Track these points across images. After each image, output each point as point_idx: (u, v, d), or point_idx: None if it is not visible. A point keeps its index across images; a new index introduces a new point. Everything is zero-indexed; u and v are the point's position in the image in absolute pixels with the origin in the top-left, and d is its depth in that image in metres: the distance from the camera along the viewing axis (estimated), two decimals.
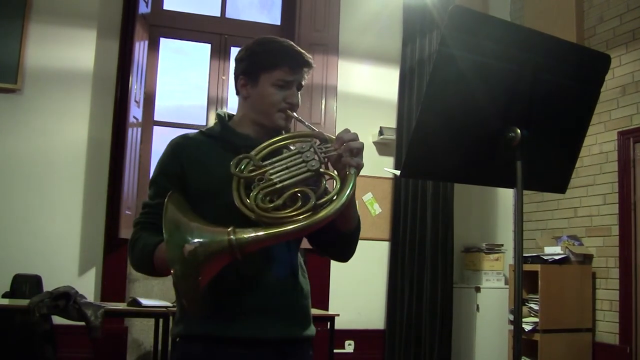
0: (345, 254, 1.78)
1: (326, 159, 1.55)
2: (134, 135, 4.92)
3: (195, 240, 1.41)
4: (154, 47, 5.36)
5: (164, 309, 3.78)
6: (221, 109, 4.64)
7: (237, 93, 1.76)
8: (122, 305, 4.05)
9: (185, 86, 5.82)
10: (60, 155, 4.69)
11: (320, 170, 1.53)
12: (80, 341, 4.32)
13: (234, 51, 5.37)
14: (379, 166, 5.49)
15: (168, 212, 1.44)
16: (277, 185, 1.49)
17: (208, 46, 5.52)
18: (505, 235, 5.78)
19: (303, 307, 1.72)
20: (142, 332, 4.84)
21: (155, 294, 4.84)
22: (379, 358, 5.40)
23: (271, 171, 1.52)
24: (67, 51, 4.82)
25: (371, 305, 5.44)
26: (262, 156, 1.58)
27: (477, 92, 1.55)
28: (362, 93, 5.63)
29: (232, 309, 1.60)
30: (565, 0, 5.22)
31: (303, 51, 1.71)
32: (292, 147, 1.65)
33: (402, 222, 5.46)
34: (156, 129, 5.31)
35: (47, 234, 4.60)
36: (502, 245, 5.57)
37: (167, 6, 5.48)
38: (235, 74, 1.76)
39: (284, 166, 1.53)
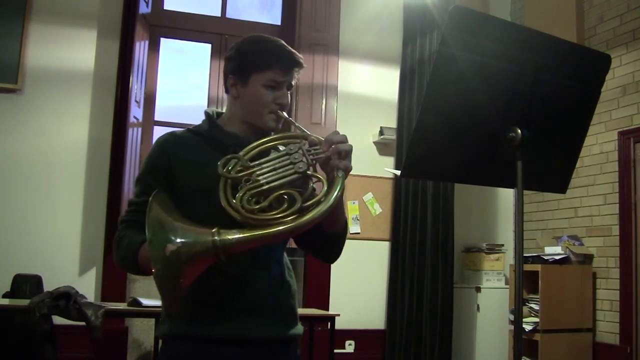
0: (331, 256, 1.78)
1: (314, 161, 1.55)
2: (134, 135, 4.92)
3: (179, 240, 1.40)
4: (154, 47, 5.36)
5: None
6: (222, 109, 4.64)
7: (227, 92, 1.75)
8: (122, 305, 4.05)
9: (185, 86, 5.82)
10: (60, 155, 4.69)
11: (308, 172, 1.52)
12: (80, 341, 4.32)
13: None
14: (379, 166, 5.50)
15: (152, 211, 1.43)
16: (264, 187, 1.49)
17: (208, 46, 5.53)
18: (506, 235, 5.78)
19: (289, 306, 1.71)
20: (142, 332, 4.84)
21: (155, 294, 4.81)
22: (379, 358, 5.40)
23: (258, 172, 1.51)
24: (67, 51, 4.82)
25: (371, 305, 5.44)
26: (251, 157, 1.57)
27: (477, 92, 1.55)
28: (363, 93, 5.63)
29: (220, 309, 1.59)
30: (565, 0, 5.22)
31: (294, 51, 1.71)
32: (281, 148, 1.64)
33: (403, 222, 5.46)
34: (156, 129, 5.31)
35: (47, 234, 4.60)
36: (503, 245, 5.57)
37: (167, 6, 5.48)
38: (224, 72, 1.74)
39: (272, 167, 1.52)
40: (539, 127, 1.63)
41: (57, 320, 3.87)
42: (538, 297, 4.64)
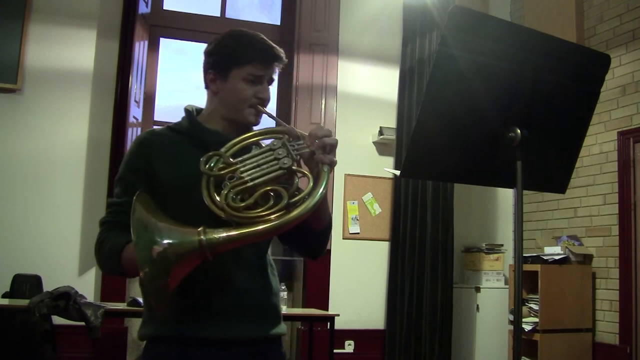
0: (316, 252, 1.76)
1: (298, 156, 1.51)
2: (134, 135, 4.92)
3: (165, 241, 1.37)
4: (154, 47, 5.36)
5: None
6: None
7: (206, 87, 1.72)
8: (122, 305, 4.05)
9: (185, 86, 5.82)
10: (60, 155, 4.69)
11: (293, 167, 1.49)
12: (80, 341, 4.32)
13: None
14: (378, 166, 5.50)
15: (136, 212, 1.40)
16: (249, 184, 1.45)
17: None
18: (505, 235, 5.78)
19: (273, 305, 1.70)
20: None
21: None
22: (379, 358, 5.40)
23: (242, 169, 1.48)
24: (67, 51, 4.82)
25: (371, 305, 5.44)
26: (232, 153, 1.53)
27: (477, 92, 1.55)
28: (362, 93, 5.63)
29: (204, 310, 1.57)
30: (565, 0, 5.22)
31: (275, 45, 1.67)
32: (263, 144, 1.60)
33: (402, 222, 5.46)
34: (154, 127, 5.30)
35: (47, 234, 4.60)
36: (502, 245, 5.57)
37: (167, 6, 5.48)
38: (204, 68, 1.71)
39: (255, 164, 1.49)
40: (539, 127, 1.63)
41: (57, 320, 3.87)
42: (537, 297, 4.64)
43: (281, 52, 1.68)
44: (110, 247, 1.55)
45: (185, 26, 5.46)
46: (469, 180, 1.88)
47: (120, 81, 4.88)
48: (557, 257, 4.74)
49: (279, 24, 5.73)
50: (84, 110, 4.82)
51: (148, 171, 1.61)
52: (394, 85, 5.65)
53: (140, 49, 5.01)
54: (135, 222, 1.38)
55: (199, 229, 1.40)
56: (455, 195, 5.50)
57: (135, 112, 4.96)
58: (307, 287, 5.30)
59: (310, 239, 1.69)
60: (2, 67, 4.59)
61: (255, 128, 1.67)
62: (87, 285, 4.59)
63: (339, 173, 5.43)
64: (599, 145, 4.87)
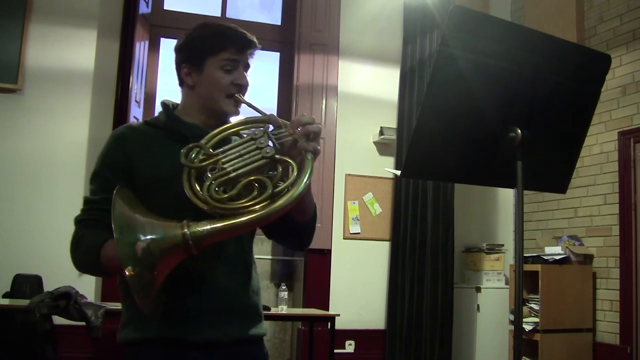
0: (302, 244, 1.72)
1: (281, 145, 1.47)
2: None
3: (148, 236, 1.33)
4: (154, 47, 5.36)
5: None
6: None
7: (181, 84, 1.67)
8: None
9: None
10: (60, 155, 4.69)
11: (276, 156, 1.45)
12: (80, 341, 4.32)
13: None
14: (379, 166, 5.50)
15: (116, 208, 1.35)
16: (231, 175, 1.41)
17: None
18: (506, 235, 5.78)
19: (255, 305, 1.66)
20: None
21: None
22: (379, 358, 5.40)
23: (224, 160, 1.44)
24: (67, 51, 4.82)
25: (372, 305, 5.44)
26: (213, 144, 1.49)
27: (477, 92, 1.55)
28: (363, 93, 5.63)
29: (186, 311, 1.53)
30: (565, 0, 5.22)
31: (247, 32, 1.65)
32: (244, 134, 1.55)
33: (403, 222, 5.46)
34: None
35: (47, 234, 4.60)
36: (503, 245, 5.57)
37: (167, 6, 5.48)
38: (176, 63, 1.67)
39: (237, 154, 1.45)
40: (539, 127, 1.63)
41: (57, 320, 3.87)
42: (538, 297, 4.64)
43: (253, 37, 1.65)
44: (88, 246, 1.50)
45: (186, 26, 5.35)
46: (469, 180, 1.87)
47: (121, 81, 4.88)
48: (557, 257, 4.74)
49: (279, 24, 5.73)
50: (85, 110, 4.82)
51: (125, 166, 1.56)
52: (395, 85, 5.65)
53: (140, 49, 5.01)
54: (117, 219, 1.33)
55: (182, 223, 1.36)
56: (455, 195, 5.50)
57: (136, 112, 4.96)
58: (307, 287, 5.30)
59: (296, 231, 1.65)
60: (2, 67, 4.59)
61: (233, 119, 1.63)
62: (88, 285, 4.58)
63: (339, 173, 5.43)
64: (599, 145, 4.87)
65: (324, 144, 5.29)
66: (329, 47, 5.46)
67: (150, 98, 5.28)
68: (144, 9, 5.06)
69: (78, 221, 1.58)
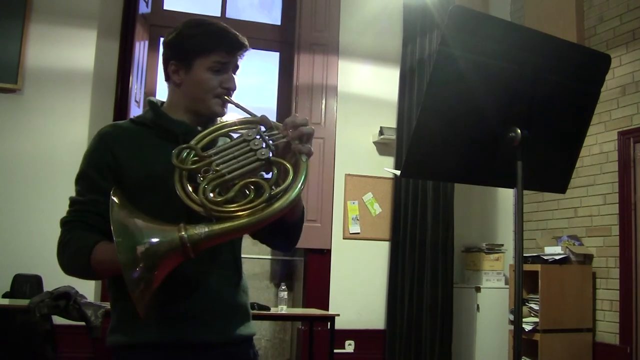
0: (289, 244, 1.71)
1: (274, 147, 1.45)
2: None
3: (147, 240, 1.32)
4: (154, 47, 5.36)
5: None
6: None
7: (167, 80, 1.64)
8: None
9: None
10: (60, 155, 4.69)
11: (271, 158, 1.43)
12: (80, 341, 4.32)
13: None
14: (379, 166, 5.50)
15: (114, 212, 1.34)
16: (226, 177, 1.39)
17: None
18: (506, 235, 5.78)
19: (245, 305, 1.65)
20: None
21: None
22: (379, 358, 5.40)
23: (218, 162, 1.41)
24: (67, 51, 4.82)
25: (371, 305, 5.44)
26: (203, 145, 1.46)
27: (477, 92, 1.55)
28: (362, 93, 5.63)
29: (178, 314, 1.51)
30: (565, 0, 5.22)
31: (238, 33, 1.61)
32: (234, 135, 1.53)
33: (403, 222, 5.46)
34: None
35: (47, 234, 4.55)
36: (503, 245, 5.57)
37: (167, 6, 5.48)
38: (164, 59, 1.63)
39: (231, 156, 1.43)
40: (539, 127, 1.63)
41: (57, 320, 3.87)
42: (538, 297, 4.64)
43: (244, 39, 1.62)
44: (77, 249, 1.47)
45: None
46: (469, 180, 1.87)
47: (121, 81, 4.88)
48: (557, 257, 4.74)
49: (279, 24, 5.73)
50: (84, 110, 4.82)
51: (112, 166, 1.53)
52: (394, 85, 5.65)
53: (140, 49, 5.01)
54: (115, 223, 1.32)
55: (180, 226, 1.35)
56: (455, 195, 5.50)
57: (136, 112, 4.96)
58: (307, 287, 5.30)
59: (283, 231, 1.63)
60: (2, 67, 4.59)
61: (221, 119, 1.62)
62: (88, 285, 4.58)
63: (339, 173, 5.43)
64: (599, 145, 4.87)
65: (324, 144, 5.30)
66: (328, 47, 5.46)
67: (148, 97, 5.27)
68: (143, 8, 5.06)
69: (64, 223, 1.54)
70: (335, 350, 4.64)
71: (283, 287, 4.58)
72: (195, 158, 1.44)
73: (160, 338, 1.50)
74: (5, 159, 4.60)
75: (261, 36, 5.53)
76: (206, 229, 1.35)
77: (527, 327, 4.61)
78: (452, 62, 1.50)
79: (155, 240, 1.33)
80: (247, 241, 1.71)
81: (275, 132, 1.48)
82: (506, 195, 5.84)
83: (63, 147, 4.71)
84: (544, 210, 5.40)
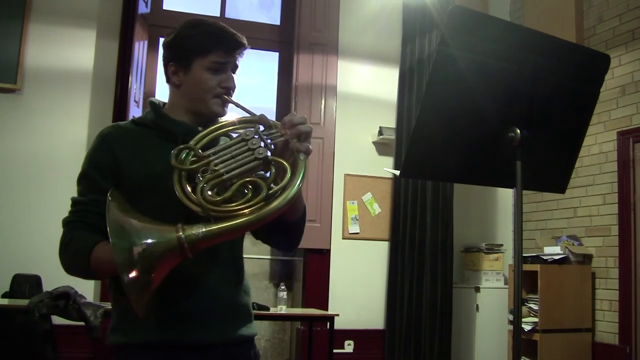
0: (291, 244, 1.71)
1: (272, 146, 1.45)
2: None
3: (143, 241, 1.31)
4: (153, 47, 5.36)
5: None
6: None
7: (168, 81, 1.65)
8: None
9: None
10: (60, 155, 4.69)
11: (269, 157, 1.43)
12: (80, 341, 4.32)
13: None
14: (378, 166, 5.50)
15: (111, 213, 1.34)
16: (224, 177, 1.39)
17: None
18: (505, 235, 5.78)
19: (247, 305, 1.65)
20: None
21: None
22: (378, 358, 5.40)
23: (216, 161, 1.42)
24: (67, 51, 4.82)
25: (371, 305, 5.44)
26: (202, 145, 1.47)
27: (476, 92, 1.55)
28: (362, 93, 5.63)
29: (178, 314, 1.51)
30: (564, 0, 5.22)
31: (236, 32, 1.61)
32: (233, 135, 1.53)
33: (402, 222, 5.46)
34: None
35: (47, 234, 4.57)
36: (502, 245, 5.57)
37: (166, 6, 5.48)
38: (164, 60, 1.63)
39: (229, 155, 1.43)
40: (539, 127, 1.63)
41: (57, 320, 3.86)
42: (537, 297, 4.64)
43: (243, 38, 1.62)
44: (78, 249, 1.48)
45: None
46: (469, 180, 1.88)
47: (120, 81, 4.88)
48: (556, 257, 4.74)
49: (278, 24, 5.73)
50: (84, 110, 4.82)
51: (112, 166, 1.54)
52: (394, 85, 5.65)
53: (140, 49, 5.01)
54: (112, 224, 1.32)
55: (177, 226, 1.35)
56: (455, 195, 5.50)
57: (135, 112, 4.96)
58: (306, 287, 5.30)
59: (284, 231, 1.63)
60: (2, 67, 4.59)
61: (222, 119, 1.62)
62: (87, 285, 4.57)
63: (338, 173, 5.43)
64: (598, 145, 4.88)
65: (323, 144, 5.30)
66: (328, 47, 5.45)
67: (149, 98, 5.27)
68: (143, 9, 5.06)
69: (66, 223, 1.55)
70: (335, 350, 4.64)
71: (282, 287, 4.58)
72: (193, 158, 1.44)
73: (159, 338, 1.50)
74: (4, 159, 4.59)
75: (260, 36, 5.53)
76: (204, 229, 1.35)
77: (527, 327, 4.62)
78: (451, 62, 1.50)
79: (152, 240, 1.33)
80: (246, 241, 1.71)
81: (274, 131, 1.47)
82: (506, 195, 5.84)
83: (63, 147, 4.71)
84: (543, 210, 5.40)
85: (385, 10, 5.73)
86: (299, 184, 1.40)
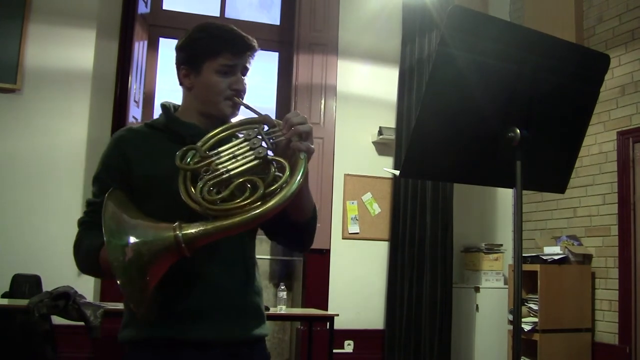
0: (303, 244, 1.73)
1: (274, 145, 1.48)
2: None
3: (138, 239, 1.32)
4: (153, 47, 5.36)
5: None
6: None
7: (180, 84, 1.68)
8: (121, 305, 4.03)
9: None
10: (60, 155, 4.69)
11: (268, 156, 1.45)
12: (80, 341, 4.32)
13: None
14: (378, 166, 5.50)
15: (107, 211, 1.35)
16: (224, 176, 1.41)
17: None
18: (505, 235, 5.78)
19: (255, 305, 1.65)
20: None
21: None
22: (378, 358, 5.40)
23: (217, 161, 1.44)
24: (66, 51, 4.82)
25: (370, 305, 5.44)
26: (209, 147, 1.49)
27: (476, 91, 1.55)
28: (362, 93, 5.63)
29: (181, 311, 1.52)
30: (564, 0, 5.22)
31: (246, 35, 1.64)
32: (240, 135, 1.55)
33: (402, 222, 5.46)
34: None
35: (47, 234, 4.60)
36: (502, 245, 5.57)
37: (166, 6, 5.48)
38: (176, 64, 1.68)
39: (231, 155, 1.45)
40: (538, 127, 1.63)
41: (57, 320, 3.86)
42: (537, 297, 4.64)
43: (253, 40, 1.65)
44: (87, 248, 1.52)
45: (185, 26, 5.38)
46: (469, 180, 1.88)
47: (120, 81, 4.88)
48: (556, 257, 4.74)
49: (278, 24, 5.73)
50: (84, 110, 4.82)
51: (124, 168, 1.57)
52: (394, 85, 5.66)
53: (139, 49, 5.01)
54: (107, 222, 1.33)
55: (174, 225, 1.36)
56: (454, 195, 5.50)
57: (135, 112, 4.96)
58: (306, 287, 5.30)
59: (296, 231, 1.65)
60: (2, 67, 4.59)
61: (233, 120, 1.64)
62: (87, 285, 4.58)
63: (338, 173, 5.43)
64: (598, 145, 4.87)
65: (323, 144, 5.30)
66: (327, 47, 5.46)
67: (149, 98, 5.28)
68: (142, 9, 5.06)
69: (80, 223, 1.60)
70: (335, 350, 4.64)
71: (282, 287, 4.58)
72: (197, 159, 1.46)
73: (165, 335, 1.52)
74: (4, 158, 4.59)
75: (260, 36, 5.46)
76: (200, 227, 1.36)
77: (527, 327, 4.62)
78: (451, 61, 1.50)
79: (147, 238, 1.34)
80: None
81: (277, 130, 1.49)
82: (505, 195, 5.84)
83: (63, 147, 4.71)
84: (543, 210, 5.40)
85: (385, 10, 5.73)
86: (297, 183, 1.40)
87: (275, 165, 1.45)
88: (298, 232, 1.67)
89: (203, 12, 5.57)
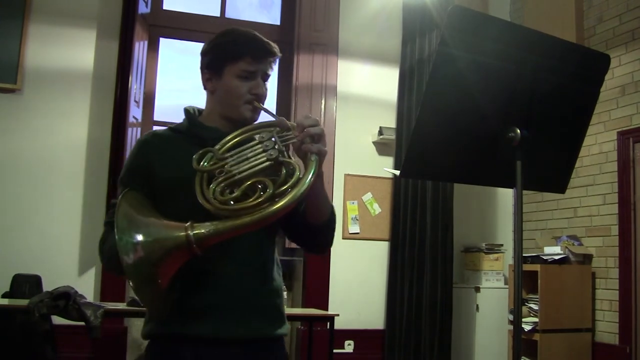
0: (321, 246, 1.76)
1: (287, 147, 1.52)
2: (133, 135, 4.92)
3: (150, 238, 1.37)
4: (153, 47, 5.36)
5: None
6: None
7: (204, 88, 1.74)
8: (121, 305, 4.05)
9: (184, 86, 5.82)
10: (60, 155, 4.69)
11: (280, 158, 1.49)
12: (80, 341, 4.32)
13: None
14: (378, 166, 5.50)
15: (120, 211, 1.41)
16: (236, 177, 1.46)
17: None
18: (505, 235, 5.78)
19: (273, 304, 1.68)
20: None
21: None
22: (378, 358, 5.40)
23: (231, 163, 1.49)
24: (67, 51, 4.82)
25: (371, 305, 5.44)
26: (226, 149, 1.55)
27: (476, 91, 1.55)
28: (362, 93, 5.63)
29: (195, 308, 1.57)
30: (564, 0, 5.22)
31: (267, 40, 1.68)
32: (256, 138, 1.60)
33: (402, 222, 5.46)
34: (156, 129, 5.29)
35: (47, 234, 4.60)
36: (502, 245, 5.57)
37: (166, 6, 5.48)
38: (200, 68, 1.73)
39: (244, 157, 1.50)
40: (539, 127, 1.63)
41: (57, 320, 3.86)
42: (537, 297, 4.64)
43: (274, 47, 1.68)
44: (110, 248, 1.55)
45: (185, 26, 5.46)
46: (469, 180, 1.88)
47: (120, 81, 4.88)
48: (556, 257, 4.74)
49: (278, 24, 5.73)
50: (84, 110, 4.82)
51: (146, 172, 1.62)
52: (394, 85, 5.65)
53: (140, 49, 5.01)
54: (119, 220, 1.38)
55: (186, 224, 1.40)
56: (455, 195, 5.50)
57: (135, 112, 4.96)
58: (306, 287, 5.30)
59: (314, 232, 1.68)
60: (2, 67, 4.59)
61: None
62: (87, 285, 4.59)
63: (338, 173, 5.43)
64: (598, 145, 4.87)
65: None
66: (328, 47, 5.45)
67: (149, 98, 5.28)
68: (143, 9, 5.06)
69: (105, 223, 1.65)
70: (335, 350, 4.64)
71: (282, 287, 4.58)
72: (214, 161, 1.51)
73: (181, 331, 1.57)
74: (4, 159, 4.59)
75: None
76: (212, 227, 1.41)
77: (527, 327, 4.62)
78: (451, 62, 1.50)
79: (158, 236, 1.38)
80: None
81: (290, 133, 1.54)
82: (505, 195, 5.84)
83: (63, 147, 4.71)
84: (543, 210, 5.40)
85: (385, 10, 5.73)
86: (307, 183, 1.44)
87: (286, 167, 1.49)
88: (316, 233, 1.70)
89: (203, 12, 5.57)
